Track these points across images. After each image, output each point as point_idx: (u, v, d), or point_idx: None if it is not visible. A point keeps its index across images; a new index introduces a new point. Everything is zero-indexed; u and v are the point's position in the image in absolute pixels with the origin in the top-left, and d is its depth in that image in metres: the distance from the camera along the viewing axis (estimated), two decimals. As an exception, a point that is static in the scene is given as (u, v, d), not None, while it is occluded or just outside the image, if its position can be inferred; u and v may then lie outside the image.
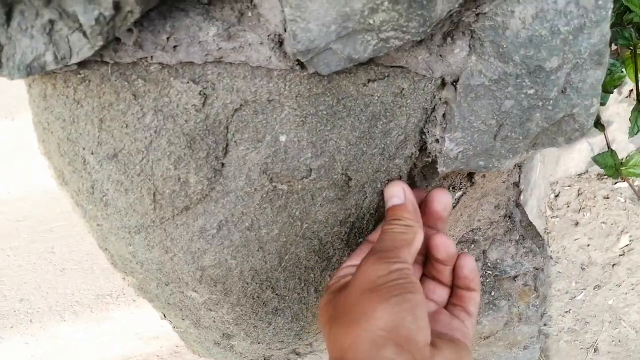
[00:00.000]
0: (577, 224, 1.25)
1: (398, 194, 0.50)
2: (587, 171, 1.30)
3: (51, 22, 0.39)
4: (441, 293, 0.52)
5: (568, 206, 1.27)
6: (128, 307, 1.07)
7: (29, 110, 1.11)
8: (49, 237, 1.14)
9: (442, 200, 0.51)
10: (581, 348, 1.21)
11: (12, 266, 1.11)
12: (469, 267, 0.50)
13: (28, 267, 1.11)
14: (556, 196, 1.27)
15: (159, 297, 0.59)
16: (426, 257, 0.53)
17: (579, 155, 1.25)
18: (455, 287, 0.52)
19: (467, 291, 0.51)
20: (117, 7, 0.39)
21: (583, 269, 1.24)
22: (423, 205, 0.52)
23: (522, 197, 0.96)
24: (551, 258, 1.23)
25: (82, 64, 0.43)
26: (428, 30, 0.44)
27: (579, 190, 1.27)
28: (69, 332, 1.06)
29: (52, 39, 0.40)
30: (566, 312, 1.22)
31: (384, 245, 0.44)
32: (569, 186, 1.28)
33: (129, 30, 0.43)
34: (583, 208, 1.26)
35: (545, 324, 1.21)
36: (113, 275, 1.09)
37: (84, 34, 0.40)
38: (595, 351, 1.20)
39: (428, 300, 0.51)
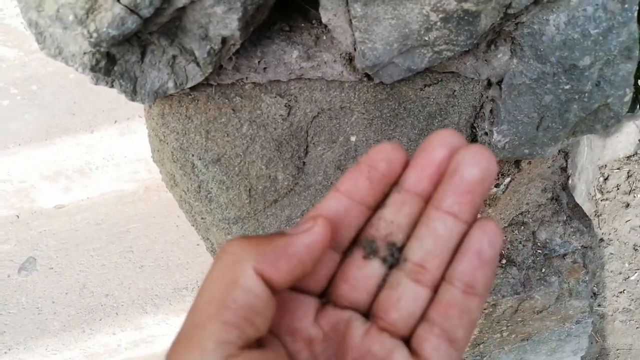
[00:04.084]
0: (627, 205, 1.32)
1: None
2: (636, 153, 1.36)
3: (174, 57, 0.51)
4: (414, 298, 0.33)
5: (618, 188, 1.33)
6: (202, 298, 1.21)
7: (107, 124, 1.27)
8: (126, 237, 1.29)
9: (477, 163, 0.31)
10: (637, 327, 1.27)
11: (96, 265, 1.26)
12: (492, 247, 0.32)
13: (110, 265, 1.27)
14: (605, 179, 1.34)
15: (249, 279, 0.71)
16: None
17: (626, 138, 1.31)
18: (444, 281, 0.34)
19: (464, 294, 0.33)
20: (224, 41, 0.50)
21: (636, 249, 1.30)
22: (446, 174, 0.32)
23: (570, 181, 1.04)
24: (603, 240, 1.30)
25: (192, 87, 0.55)
26: (474, 42, 0.54)
27: (628, 172, 1.34)
28: (151, 323, 1.20)
29: (173, 70, 0.52)
30: (620, 292, 1.29)
31: None
32: (618, 169, 1.34)
33: (229, 58, 0.55)
34: (633, 190, 1.32)
35: (599, 305, 1.28)
36: (187, 270, 1.23)
37: (197, 64, 0.52)
38: (651, 330, 1.26)
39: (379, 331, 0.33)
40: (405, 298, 0.34)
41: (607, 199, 1.33)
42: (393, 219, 0.35)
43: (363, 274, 0.35)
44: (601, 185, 1.34)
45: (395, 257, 0.35)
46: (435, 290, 0.34)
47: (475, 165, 0.31)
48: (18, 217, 1.35)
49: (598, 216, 1.32)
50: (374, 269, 0.35)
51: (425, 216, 0.34)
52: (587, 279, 0.87)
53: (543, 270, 0.85)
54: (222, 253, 0.32)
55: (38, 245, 1.31)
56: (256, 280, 0.30)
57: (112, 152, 1.26)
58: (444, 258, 0.33)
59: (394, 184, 0.35)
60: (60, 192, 1.30)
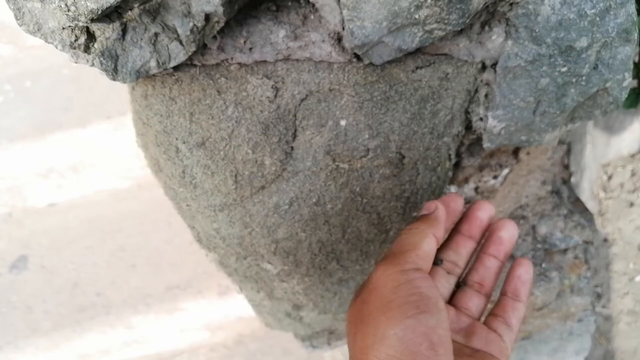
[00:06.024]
0: (632, 204, 1.30)
1: (429, 207, 0.52)
2: (640, 151, 1.34)
3: (156, 34, 0.50)
4: (478, 302, 0.53)
5: (622, 187, 1.31)
6: (195, 298, 1.19)
7: (100, 119, 1.26)
8: (118, 235, 1.28)
9: (509, 230, 0.55)
10: (642, 330, 1.25)
11: (87, 263, 1.25)
12: (528, 273, 0.53)
13: (102, 264, 1.26)
14: (609, 178, 1.32)
15: (238, 270, 0.70)
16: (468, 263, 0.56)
17: (630, 135, 1.30)
18: (501, 295, 0.54)
19: (513, 300, 0.52)
20: (207, 18, 0.50)
21: (641, 250, 1.28)
22: (489, 233, 0.56)
23: (572, 179, 1.02)
24: (607, 240, 1.28)
25: (176, 68, 0.54)
26: (467, 21, 0.53)
27: (632, 170, 1.32)
28: (143, 322, 1.19)
29: (155, 48, 0.51)
30: (625, 293, 1.27)
31: (392, 250, 0.46)
32: (622, 166, 1.32)
33: (214, 37, 0.54)
34: (638, 188, 1.31)
35: (604, 306, 1.26)
36: (180, 269, 1.22)
37: (180, 42, 0.51)
38: (657, 332, 1.24)
39: (461, 313, 0.52)
40: (472, 300, 0.54)
41: (611, 198, 1.31)
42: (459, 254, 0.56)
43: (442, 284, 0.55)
44: (605, 184, 1.32)
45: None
46: (488, 297, 0.54)
47: (506, 230, 0.55)
48: (10, 215, 1.34)
49: (602, 215, 1.30)
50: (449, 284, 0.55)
51: (480, 257, 0.56)
52: (588, 275, 0.85)
53: (543, 265, 0.83)
54: None
55: (30, 244, 1.30)
56: None
57: (105, 148, 1.25)
58: (492, 279, 0.55)
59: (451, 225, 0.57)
60: (52, 189, 1.29)
